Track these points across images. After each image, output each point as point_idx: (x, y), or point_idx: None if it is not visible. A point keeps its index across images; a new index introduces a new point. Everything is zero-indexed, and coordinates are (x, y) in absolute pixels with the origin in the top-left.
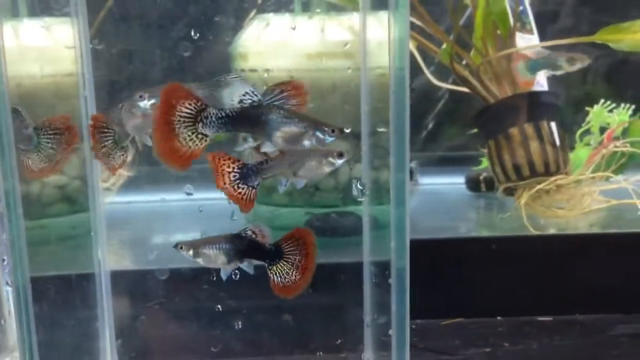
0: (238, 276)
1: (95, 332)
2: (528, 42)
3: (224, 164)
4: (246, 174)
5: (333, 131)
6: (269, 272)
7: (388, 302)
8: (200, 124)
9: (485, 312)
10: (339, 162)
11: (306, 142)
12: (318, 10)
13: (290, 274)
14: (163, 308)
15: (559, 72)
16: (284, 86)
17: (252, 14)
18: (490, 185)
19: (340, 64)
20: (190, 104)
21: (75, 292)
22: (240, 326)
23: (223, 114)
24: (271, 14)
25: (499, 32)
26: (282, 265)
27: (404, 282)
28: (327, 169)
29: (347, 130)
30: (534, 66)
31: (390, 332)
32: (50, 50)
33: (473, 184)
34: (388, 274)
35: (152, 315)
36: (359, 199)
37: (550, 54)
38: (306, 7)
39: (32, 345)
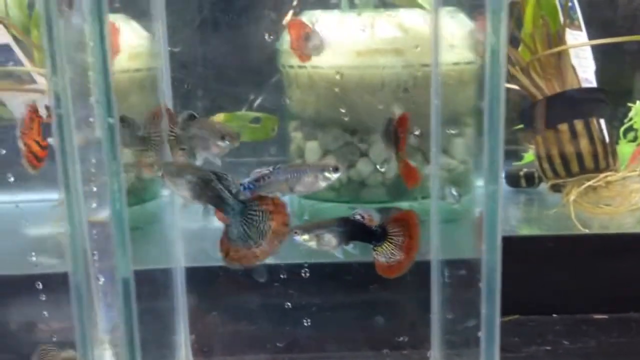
0: (308, 274)
1: (172, 326)
2: (576, 38)
3: None
4: (242, 193)
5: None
6: (374, 253)
7: (458, 299)
8: None
9: (541, 309)
10: (335, 176)
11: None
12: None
13: (395, 254)
14: (235, 304)
15: None
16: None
17: (289, 14)
18: (530, 180)
19: (390, 61)
20: None
21: (154, 286)
22: (308, 323)
23: None
24: (319, 11)
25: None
26: (387, 246)
27: (495, 284)
28: (323, 184)
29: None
30: None
31: (480, 334)
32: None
33: (513, 180)
34: (452, 272)
35: (225, 311)
36: (454, 205)
37: None
38: (352, 4)
39: (135, 339)
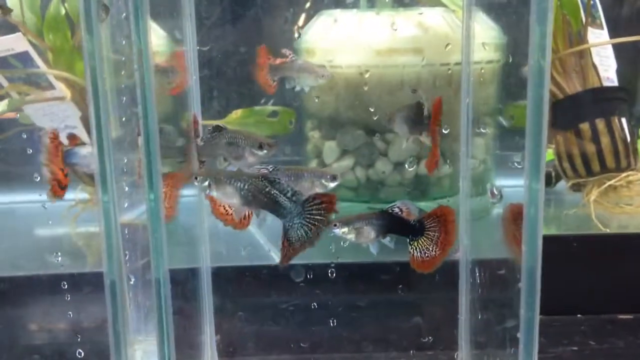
0: (334, 274)
1: (198, 326)
2: (598, 37)
3: None
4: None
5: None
6: (410, 247)
7: (490, 300)
8: None
9: (565, 310)
10: (332, 185)
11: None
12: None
13: (430, 249)
14: (260, 305)
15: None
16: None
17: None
18: (547, 180)
19: (409, 60)
20: None
21: (181, 286)
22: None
23: None
24: (338, 10)
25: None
26: (423, 240)
27: (535, 284)
28: (320, 191)
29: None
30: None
31: (519, 334)
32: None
33: None
34: (485, 271)
35: (250, 312)
36: (495, 204)
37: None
38: (371, 3)
39: (169, 338)
